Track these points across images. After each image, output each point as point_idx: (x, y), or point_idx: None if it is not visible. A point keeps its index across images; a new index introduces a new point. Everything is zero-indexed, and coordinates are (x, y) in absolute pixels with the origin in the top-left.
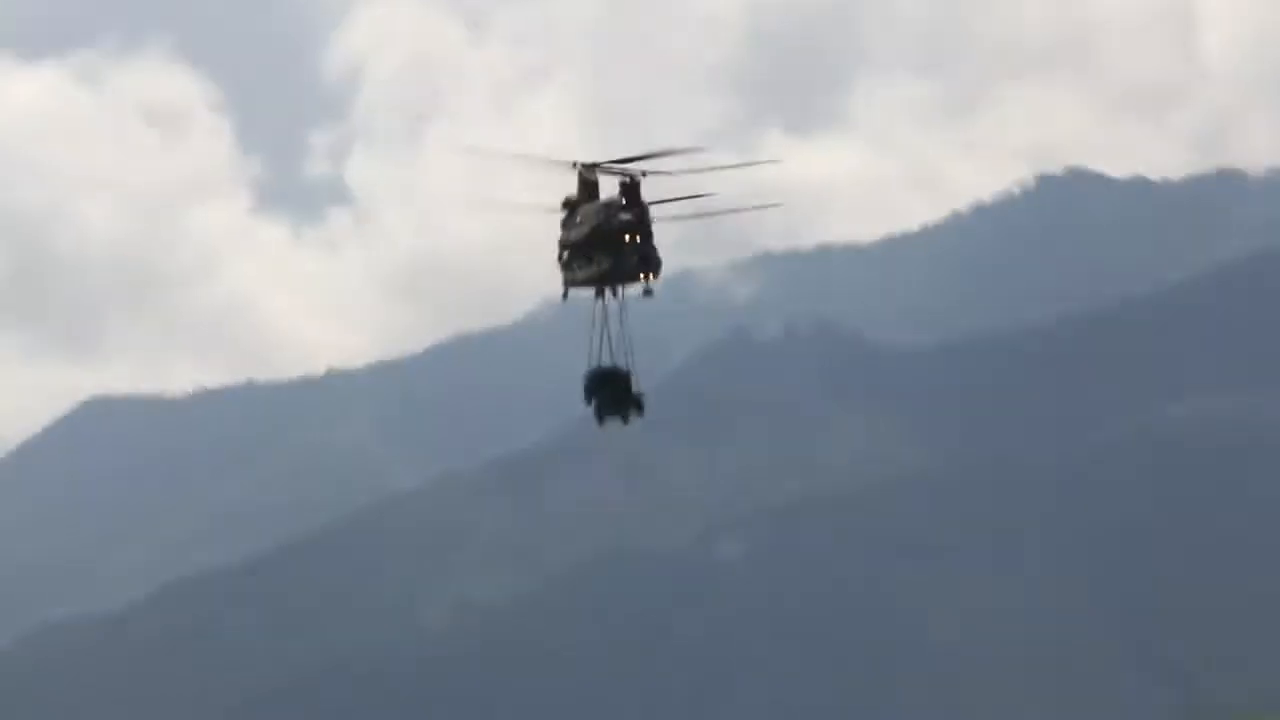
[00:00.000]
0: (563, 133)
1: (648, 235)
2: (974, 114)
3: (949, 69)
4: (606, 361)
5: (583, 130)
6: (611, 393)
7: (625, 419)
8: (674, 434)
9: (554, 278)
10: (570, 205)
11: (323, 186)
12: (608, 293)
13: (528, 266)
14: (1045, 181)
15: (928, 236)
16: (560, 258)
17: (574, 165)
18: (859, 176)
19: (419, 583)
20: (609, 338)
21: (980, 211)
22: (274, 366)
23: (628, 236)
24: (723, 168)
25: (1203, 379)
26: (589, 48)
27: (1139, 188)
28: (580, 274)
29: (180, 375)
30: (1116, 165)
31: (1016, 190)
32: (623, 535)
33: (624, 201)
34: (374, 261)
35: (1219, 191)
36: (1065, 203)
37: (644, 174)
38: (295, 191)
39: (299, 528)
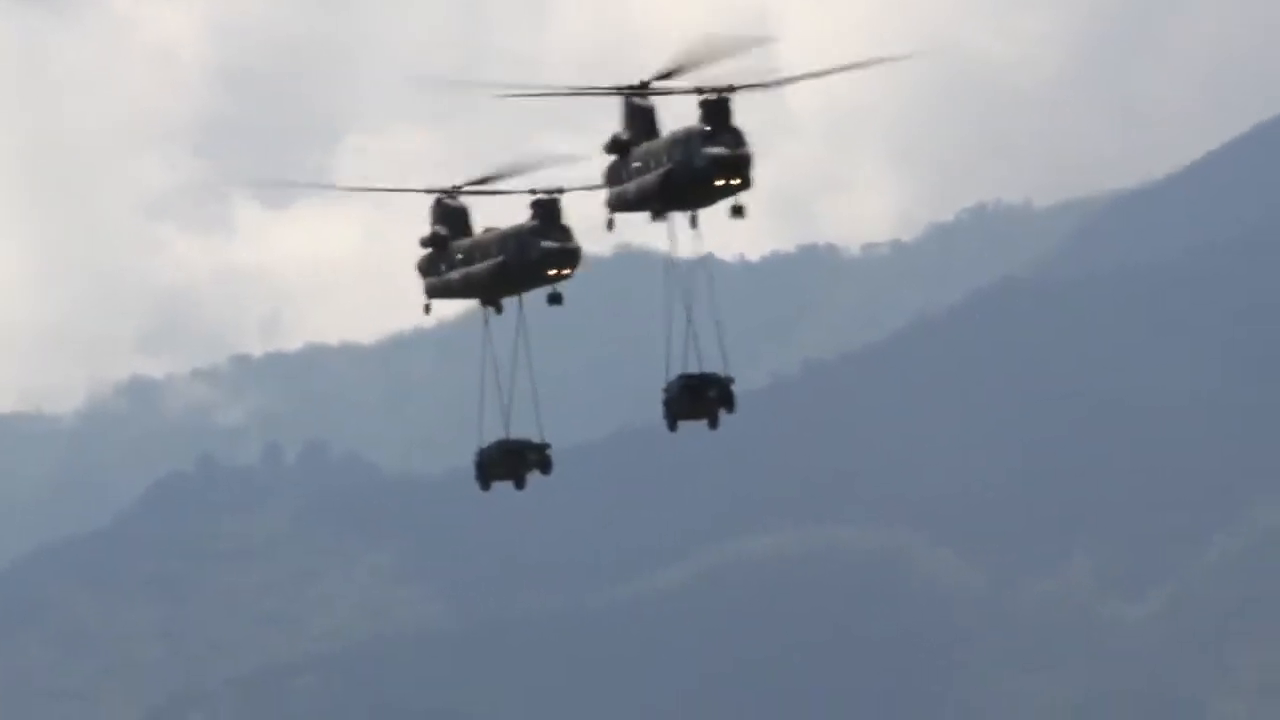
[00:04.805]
0: None
1: (747, 179)
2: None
3: (459, 114)
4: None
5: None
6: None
7: (714, 421)
8: (123, 591)
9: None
10: (620, 146)
11: None
12: (511, 305)
13: None
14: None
15: (444, 335)
16: (426, 264)
17: (617, 91)
18: (358, 257)
19: None
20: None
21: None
22: None
23: (720, 180)
24: (823, 73)
25: (785, 508)
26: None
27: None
28: (456, 275)
29: None
30: (675, 243)
31: None
32: (56, 719)
33: (708, 130)
34: None
35: (805, 274)
36: (613, 289)
37: (732, 88)
38: None
39: None
